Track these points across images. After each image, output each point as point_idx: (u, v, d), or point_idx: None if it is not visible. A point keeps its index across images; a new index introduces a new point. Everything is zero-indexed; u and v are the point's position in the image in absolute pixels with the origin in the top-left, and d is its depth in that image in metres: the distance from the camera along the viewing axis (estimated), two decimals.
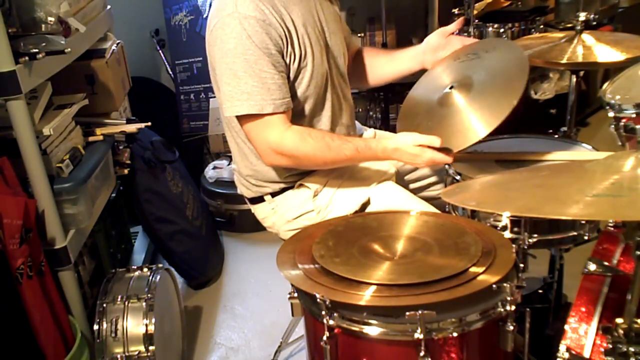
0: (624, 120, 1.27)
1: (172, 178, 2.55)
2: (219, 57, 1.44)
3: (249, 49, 1.39)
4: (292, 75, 1.49)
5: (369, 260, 1.15)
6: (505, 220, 1.38)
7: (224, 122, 1.63)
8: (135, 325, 1.72)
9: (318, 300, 1.04)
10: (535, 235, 1.37)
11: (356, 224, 1.33)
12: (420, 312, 0.98)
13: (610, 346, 1.01)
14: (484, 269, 1.09)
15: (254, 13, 1.40)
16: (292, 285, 1.15)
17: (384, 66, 1.82)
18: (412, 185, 1.78)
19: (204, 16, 3.03)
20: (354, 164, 1.61)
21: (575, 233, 1.39)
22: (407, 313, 0.98)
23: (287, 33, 1.45)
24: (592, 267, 1.21)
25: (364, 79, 1.84)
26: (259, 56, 1.40)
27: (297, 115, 1.54)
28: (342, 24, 1.73)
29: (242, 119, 1.47)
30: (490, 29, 2.96)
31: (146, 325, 1.71)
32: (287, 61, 1.47)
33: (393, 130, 1.99)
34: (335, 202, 1.59)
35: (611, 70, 2.53)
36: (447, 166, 1.54)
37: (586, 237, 1.40)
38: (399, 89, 1.73)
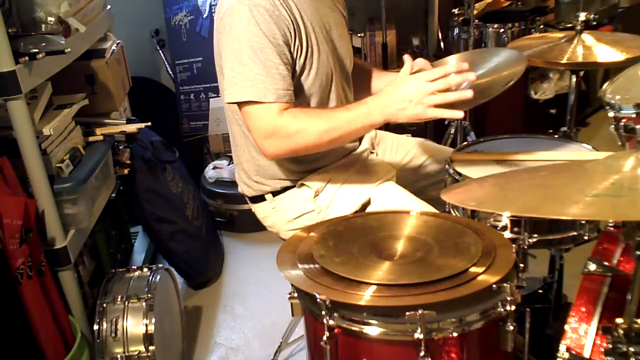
0: (624, 120, 1.27)
1: (172, 178, 2.55)
2: (226, 44, 1.43)
3: (256, 36, 1.39)
4: (297, 70, 1.49)
5: (369, 260, 1.15)
6: (505, 220, 1.38)
7: (227, 115, 1.63)
8: (135, 325, 1.72)
9: (318, 300, 1.04)
10: (535, 235, 1.37)
11: (356, 224, 1.33)
12: (420, 312, 0.98)
13: (610, 346, 1.01)
14: (484, 269, 1.09)
15: (264, 3, 1.40)
16: (292, 285, 1.15)
17: (371, 79, 1.82)
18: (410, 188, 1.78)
19: (204, 16, 3.03)
20: (354, 135, 1.51)
21: (575, 233, 1.39)
22: (407, 313, 0.98)
23: (295, 26, 1.45)
24: (592, 267, 1.21)
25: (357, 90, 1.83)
26: (266, 44, 1.39)
27: None
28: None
29: (243, 105, 1.45)
30: (490, 29, 2.97)
31: (146, 325, 1.71)
32: (294, 54, 1.46)
33: (394, 130, 1.99)
34: (336, 202, 1.59)
35: (611, 70, 2.53)
36: (447, 166, 1.54)
37: (586, 237, 1.40)
38: None
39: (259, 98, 1.39)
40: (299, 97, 1.51)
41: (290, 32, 1.44)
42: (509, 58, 1.59)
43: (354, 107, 1.40)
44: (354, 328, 1.04)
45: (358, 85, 1.77)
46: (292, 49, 1.45)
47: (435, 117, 1.33)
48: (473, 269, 1.09)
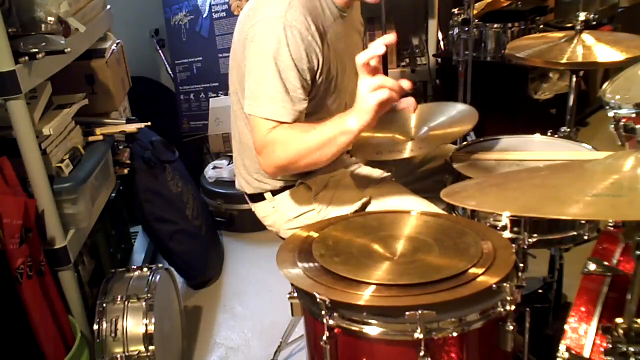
0: (624, 120, 1.27)
1: (172, 178, 2.55)
2: (252, 54, 1.44)
3: (284, 55, 1.40)
4: (321, 92, 1.51)
5: (369, 260, 1.15)
6: (505, 220, 1.38)
7: (233, 110, 1.63)
8: (135, 325, 1.72)
9: (318, 300, 1.04)
10: (535, 235, 1.37)
11: (356, 223, 1.33)
12: (420, 312, 0.98)
13: (610, 346, 1.01)
14: (484, 269, 1.09)
15: (300, 26, 1.40)
16: (292, 285, 1.15)
17: None
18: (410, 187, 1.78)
19: (204, 16, 3.03)
20: (337, 145, 1.47)
21: (575, 233, 1.39)
22: (407, 313, 0.98)
23: (325, 54, 1.46)
24: (592, 267, 1.21)
25: None
26: (291, 67, 1.40)
27: None
28: None
29: (255, 117, 1.46)
30: (490, 29, 2.97)
31: (146, 325, 1.71)
32: (318, 81, 1.48)
33: None
34: (336, 202, 1.59)
35: (611, 70, 2.53)
36: (447, 166, 1.54)
37: (586, 237, 1.40)
38: None
39: (277, 117, 1.41)
40: (318, 115, 1.52)
41: (318, 60, 1.45)
42: (463, 114, 1.68)
43: (334, 119, 1.39)
44: (354, 328, 1.04)
45: None
46: (316, 75, 1.47)
47: (380, 100, 1.32)
48: (473, 270, 1.09)
